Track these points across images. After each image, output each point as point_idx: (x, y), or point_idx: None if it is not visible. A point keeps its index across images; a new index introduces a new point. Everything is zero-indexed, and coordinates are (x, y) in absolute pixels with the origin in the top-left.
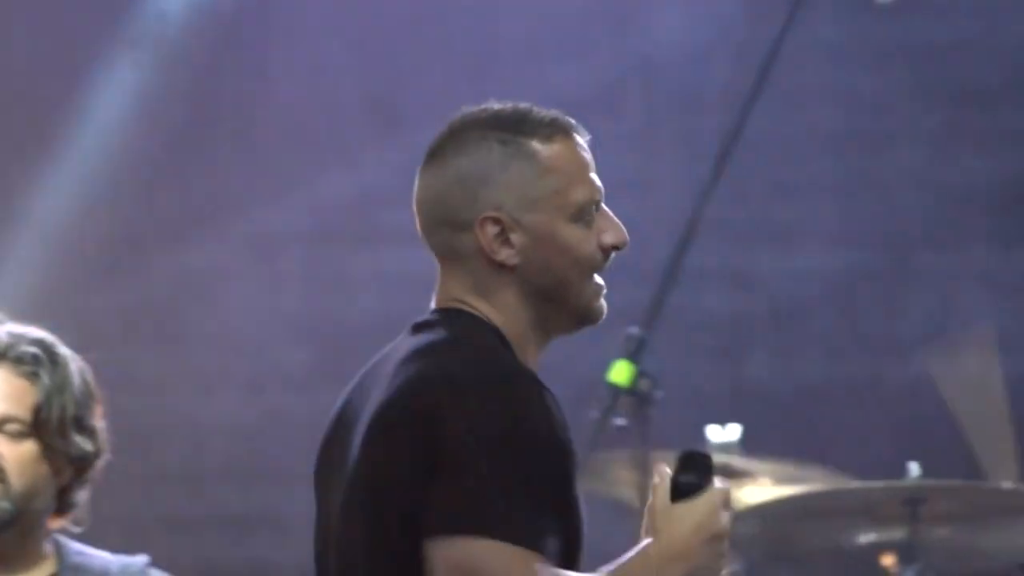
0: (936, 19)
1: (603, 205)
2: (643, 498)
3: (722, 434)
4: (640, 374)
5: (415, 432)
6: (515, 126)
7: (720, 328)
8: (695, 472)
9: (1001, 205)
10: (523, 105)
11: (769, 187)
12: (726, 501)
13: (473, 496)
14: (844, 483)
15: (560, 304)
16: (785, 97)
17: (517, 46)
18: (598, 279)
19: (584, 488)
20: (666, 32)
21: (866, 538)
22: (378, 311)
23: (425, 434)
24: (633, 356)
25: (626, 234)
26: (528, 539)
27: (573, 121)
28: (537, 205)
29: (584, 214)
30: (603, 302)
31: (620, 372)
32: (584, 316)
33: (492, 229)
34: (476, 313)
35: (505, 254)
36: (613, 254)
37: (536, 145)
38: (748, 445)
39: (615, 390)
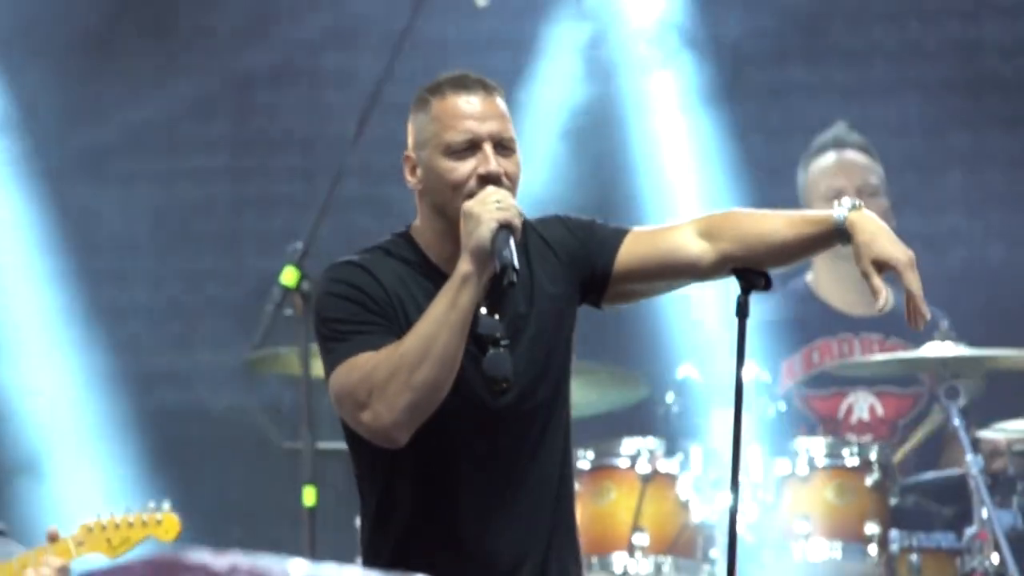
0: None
1: (486, 146)
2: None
3: None
4: (303, 277)
5: None
6: (431, 88)
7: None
8: None
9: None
10: (456, 71)
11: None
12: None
13: (323, 357)
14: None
15: (449, 218)
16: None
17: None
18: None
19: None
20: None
21: None
22: None
23: None
24: (298, 263)
25: (492, 167)
26: (348, 352)
27: (472, 80)
28: (426, 145)
29: (452, 151)
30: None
31: (289, 275)
32: None
33: (407, 164)
34: (409, 228)
35: (413, 182)
36: (504, 181)
37: (433, 100)
38: None
39: (285, 290)
